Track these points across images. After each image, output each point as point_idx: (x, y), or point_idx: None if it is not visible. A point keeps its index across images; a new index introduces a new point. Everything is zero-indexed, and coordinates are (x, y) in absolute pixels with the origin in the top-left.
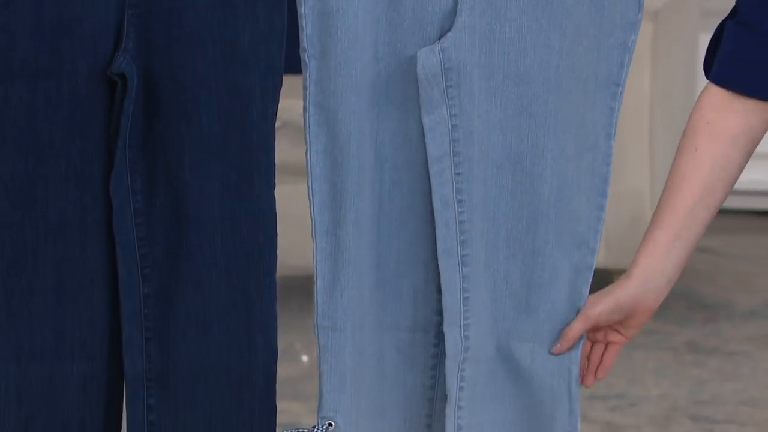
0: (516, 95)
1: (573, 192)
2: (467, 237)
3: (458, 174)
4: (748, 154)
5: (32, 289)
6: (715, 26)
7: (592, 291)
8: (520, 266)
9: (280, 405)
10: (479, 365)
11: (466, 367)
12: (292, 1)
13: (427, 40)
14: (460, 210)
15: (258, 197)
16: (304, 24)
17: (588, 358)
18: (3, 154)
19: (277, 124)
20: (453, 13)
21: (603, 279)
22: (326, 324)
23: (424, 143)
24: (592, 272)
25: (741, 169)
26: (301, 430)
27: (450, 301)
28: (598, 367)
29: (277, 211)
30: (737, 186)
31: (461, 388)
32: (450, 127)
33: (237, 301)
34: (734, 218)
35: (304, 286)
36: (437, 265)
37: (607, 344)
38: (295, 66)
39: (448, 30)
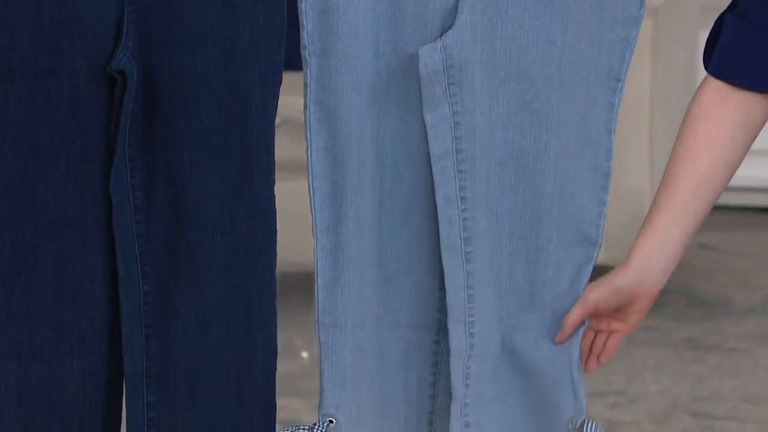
0: (518, 92)
1: (575, 188)
2: (471, 234)
3: (461, 171)
4: (747, 144)
5: (32, 286)
6: None
7: None
8: (523, 263)
9: (280, 401)
10: (484, 362)
11: (472, 365)
12: None
13: (428, 37)
14: (463, 207)
15: (257, 194)
16: (304, 21)
17: (591, 347)
18: (3, 152)
19: (277, 121)
20: (454, 11)
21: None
22: (327, 321)
23: (425, 140)
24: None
25: (740, 160)
26: (302, 427)
27: (454, 299)
28: (601, 353)
29: (277, 207)
30: (736, 182)
31: (467, 386)
32: (452, 124)
33: (237, 298)
34: (733, 215)
35: (303, 282)
36: (438, 261)
37: (610, 333)
38: (294, 63)
39: (449, 27)
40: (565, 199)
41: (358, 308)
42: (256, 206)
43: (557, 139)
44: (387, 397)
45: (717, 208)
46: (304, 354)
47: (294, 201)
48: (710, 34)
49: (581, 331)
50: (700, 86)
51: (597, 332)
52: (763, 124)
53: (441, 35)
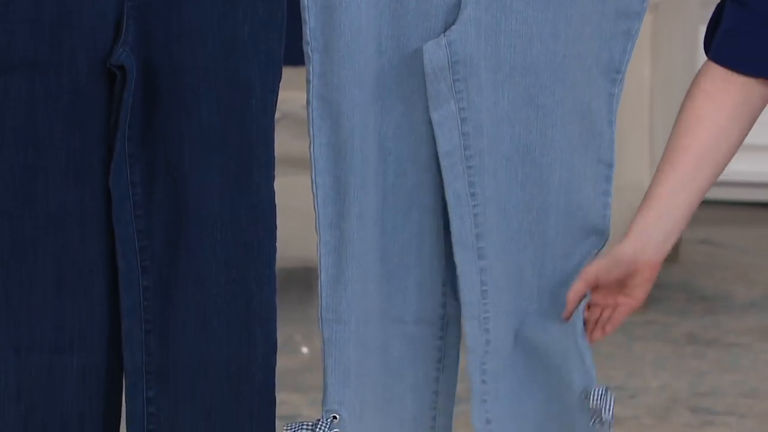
0: (523, 87)
1: (581, 181)
2: (482, 230)
3: (470, 167)
4: (747, 125)
5: (32, 281)
6: None
7: None
8: (531, 257)
9: (280, 397)
10: (500, 359)
11: (488, 361)
12: None
13: (431, 33)
14: (474, 203)
15: (257, 189)
16: (307, 17)
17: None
18: (2, 146)
19: (277, 115)
20: (457, 6)
21: None
22: (330, 317)
23: (429, 136)
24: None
25: (740, 138)
26: (305, 423)
27: (468, 295)
28: (606, 324)
29: (276, 202)
30: (736, 177)
31: (483, 382)
32: (459, 120)
33: (236, 294)
34: (733, 210)
35: (303, 277)
36: (442, 257)
37: (616, 307)
38: (294, 58)
39: (453, 23)
40: (571, 193)
41: (362, 304)
42: (256, 201)
43: (562, 133)
44: (391, 393)
45: (717, 203)
46: (304, 349)
47: (294, 196)
48: (710, 20)
49: (583, 303)
50: (699, 71)
51: (604, 308)
52: (762, 108)
53: (444, 30)
